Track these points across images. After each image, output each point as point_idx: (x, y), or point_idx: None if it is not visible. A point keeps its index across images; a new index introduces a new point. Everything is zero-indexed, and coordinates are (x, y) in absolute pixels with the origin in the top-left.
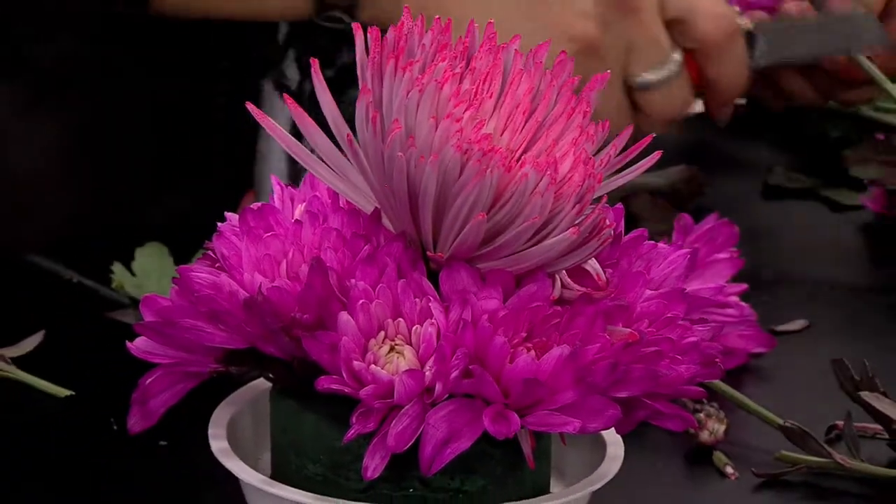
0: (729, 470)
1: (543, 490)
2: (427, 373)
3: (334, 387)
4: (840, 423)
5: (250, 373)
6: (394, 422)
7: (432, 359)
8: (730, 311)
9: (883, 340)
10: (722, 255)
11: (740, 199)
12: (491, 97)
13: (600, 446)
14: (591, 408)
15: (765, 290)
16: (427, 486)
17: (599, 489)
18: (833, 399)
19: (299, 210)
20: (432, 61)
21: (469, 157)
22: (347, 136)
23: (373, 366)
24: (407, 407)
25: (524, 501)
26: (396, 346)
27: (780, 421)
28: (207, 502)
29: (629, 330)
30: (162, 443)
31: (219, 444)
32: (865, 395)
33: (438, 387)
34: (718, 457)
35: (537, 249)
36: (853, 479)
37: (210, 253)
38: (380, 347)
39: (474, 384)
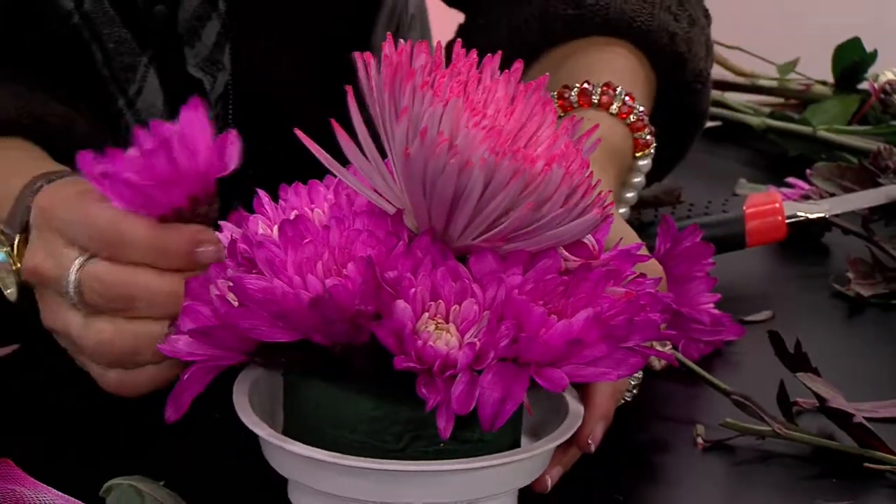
0: (699, 440)
1: (517, 441)
2: (477, 343)
3: (408, 365)
4: (801, 400)
5: (272, 362)
6: (453, 388)
7: (476, 331)
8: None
9: (838, 328)
10: (699, 274)
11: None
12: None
13: (564, 408)
14: (616, 359)
15: (735, 286)
16: (455, 440)
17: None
18: (791, 378)
19: (318, 214)
20: (434, 78)
21: (501, 160)
22: (405, 150)
23: (430, 343)
24: (460, 375)
25: (516, 450)
26: (440, 325)
27: (732, 391)
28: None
29: (624, 289)
30: (216, 415)
31: (242, 406)
32: (801, 376)
33: (491, 354)
34: (696, 428)
35: (567, 229)
36: (789, 444)
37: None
38: (426, 327)
39: (520, 349)
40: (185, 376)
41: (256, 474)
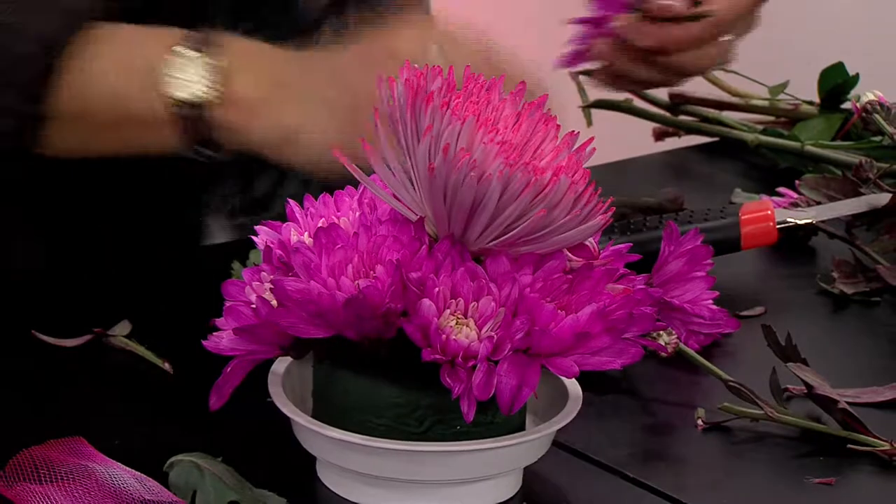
0: (700, 422)
1: (523, 423)
2: (494, 336)
3: (435, 357)
4: (791, 387)
5: (305, 355)
6: (473, 377)
7: (493, 325)
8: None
9: (825, 323)
10: (699, 273)
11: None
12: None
13: (562, 390)
14: (618, 349)
15: (732, 285)
16: (471, 423)
17: (575, 440)
18: (782, 367)
19: (344, 221)
20: (450, 99)
21: (514, 171)
22: (430, 165)
23: (452, 337)
24: (479, 365)
25: (526, 431)
26: (460, 320)
27: (728, 378)
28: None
29: (623, 286)
30: (269, 399)
31: (276, 392)
32: (791, 365)
33: (507, 346)
34: (697, 412)
35: (574, 233)
36: (780, 426)
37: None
38: (448, 322)
39: (533, 341)
40: (228, 369)
41: (305, 454)
